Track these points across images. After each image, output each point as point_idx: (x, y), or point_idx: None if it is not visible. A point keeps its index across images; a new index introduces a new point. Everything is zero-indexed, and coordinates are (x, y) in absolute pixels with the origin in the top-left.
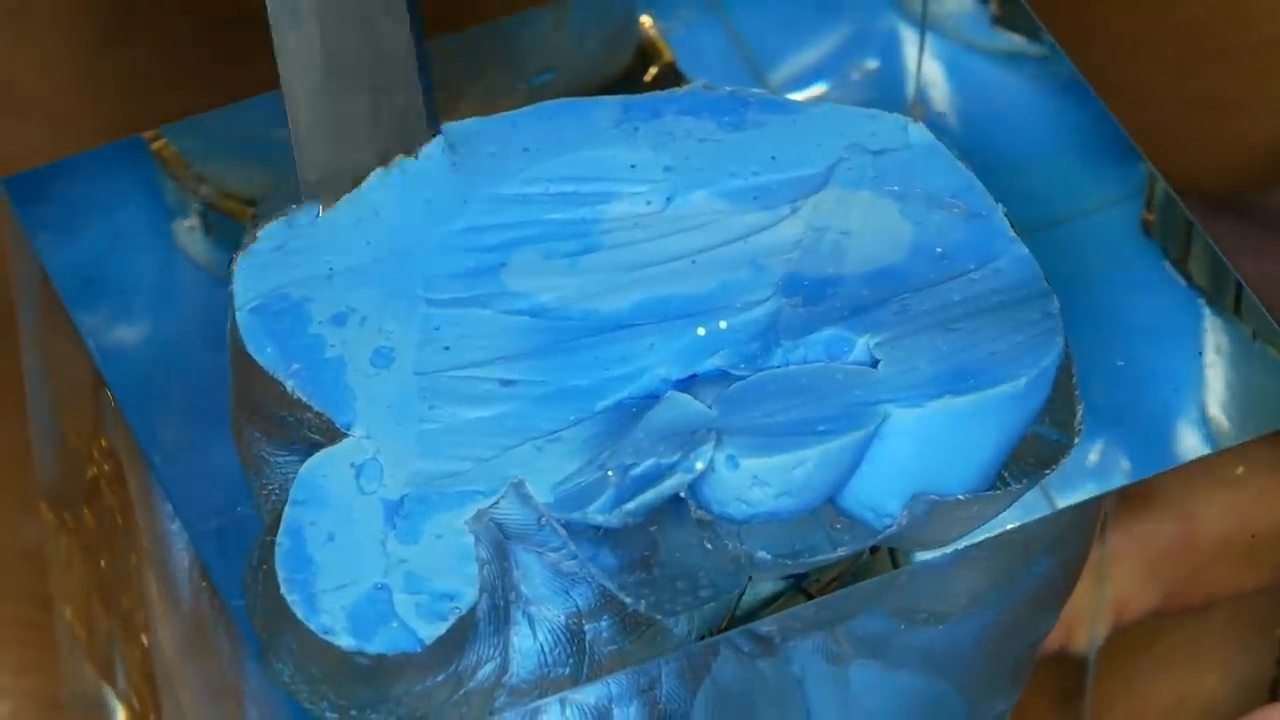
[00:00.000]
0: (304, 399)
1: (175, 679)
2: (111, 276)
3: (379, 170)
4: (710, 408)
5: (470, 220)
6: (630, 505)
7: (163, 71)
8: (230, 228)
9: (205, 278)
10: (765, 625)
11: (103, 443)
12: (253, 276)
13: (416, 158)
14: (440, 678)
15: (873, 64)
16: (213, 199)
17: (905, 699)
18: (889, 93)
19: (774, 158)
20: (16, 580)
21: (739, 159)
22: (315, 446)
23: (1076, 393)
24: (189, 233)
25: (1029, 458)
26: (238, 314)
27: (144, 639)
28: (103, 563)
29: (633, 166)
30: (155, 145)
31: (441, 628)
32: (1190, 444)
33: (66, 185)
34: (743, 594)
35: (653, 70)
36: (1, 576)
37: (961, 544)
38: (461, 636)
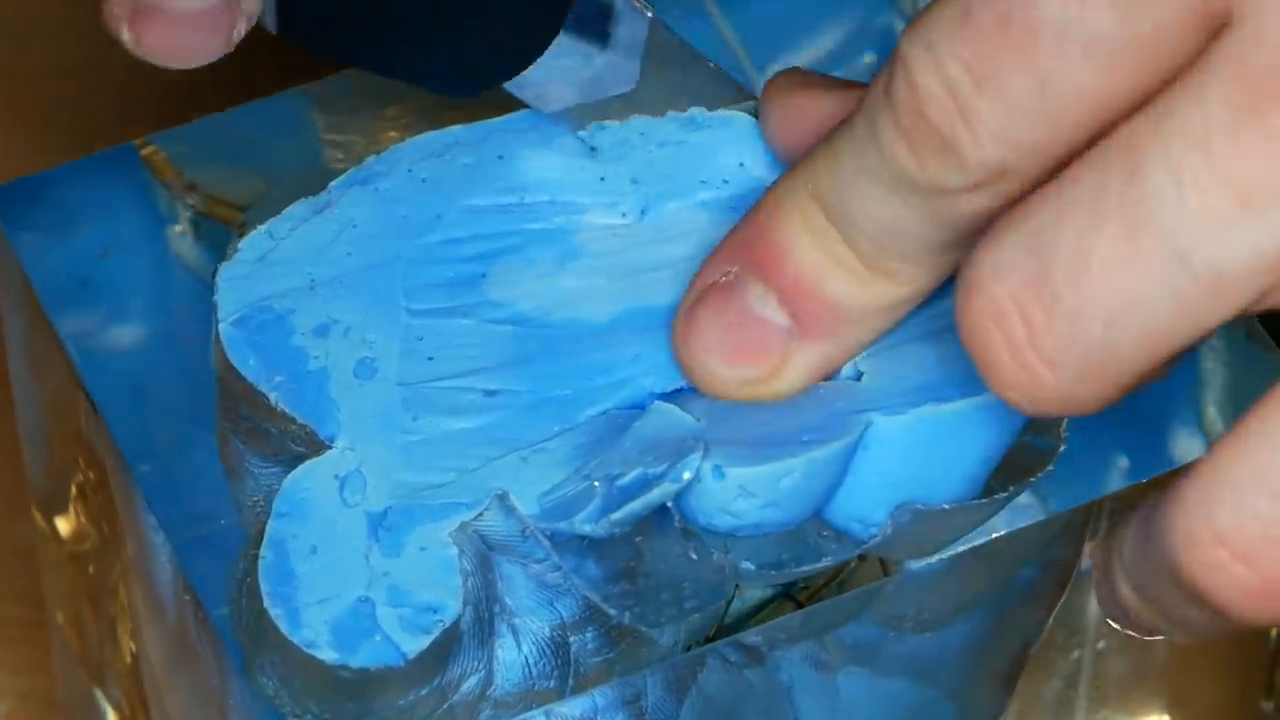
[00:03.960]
0: (287, 410)
1: (162, 686)
2: (98, 284)
3: (351, 181)
4: (697, 420)
5: (447, 233)
6: (617, 515)
7: (161, 75)
8: (221, 234)
9: (194, 285)
10: (752, 635)
11: (87, 450)
12: (235, 288)
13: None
14: (424, 691)
15: (869, 61)
16: (203, 206)
17: (894, 706)
18: None
19: (742, 164)
20: (12, 580)
21: (707, 166)
22: (299, 458)
23: None
24: (180, 239)
25: (1014, 464)
26: (221, 326)
27: (132, 646)
28: (91, 569)
29: (601, 179)
30: (145, 152)
31: (425, 641)
32: (1185, 447)
33: (55, 193)
34: (730, 603)
35: None
36: None
37: (949, 552)
38: (445, 649)
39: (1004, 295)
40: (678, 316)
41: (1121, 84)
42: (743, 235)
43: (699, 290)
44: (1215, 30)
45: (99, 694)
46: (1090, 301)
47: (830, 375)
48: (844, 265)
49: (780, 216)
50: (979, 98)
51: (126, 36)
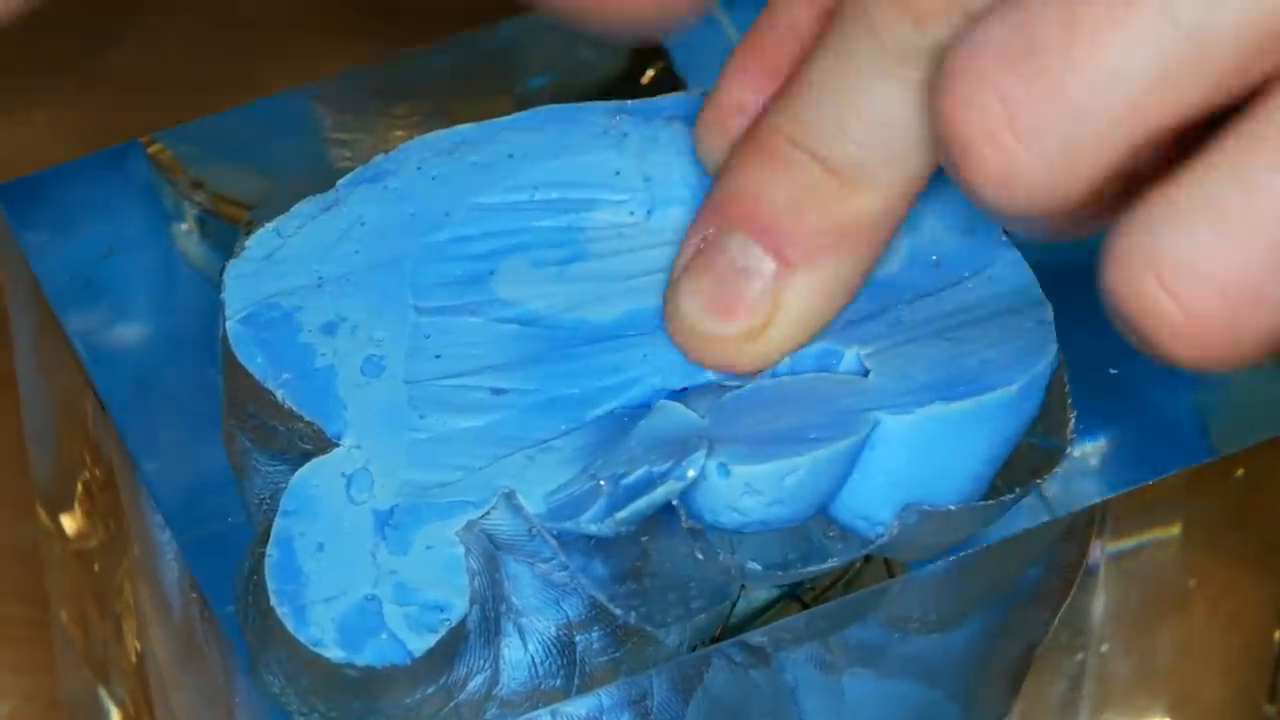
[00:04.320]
0: (294, 408)
1: (168, 685)
2: (105, 282)
3: (359, 179)
4: (702, 417)
5: (456, 231)
6: (622, 513)
7: (162, 73)
8: (227, 232)
9: (201, 283)
10: (757, 636)
11: (94, 448)
12: (243, 285)
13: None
14: (430, 690)
15: None
16: (210, 203)
17: (899, 707)
18: None
19: None
20: (15, 580)
21: None
22: (306, 456)
23: (1069, 400)
24: (186, 237)
25: (1022, 466)
26: (228, 324)
27: (137, 644)
28: (96, 567)
29: (617, 173)
30: (151, 150)
31: (431, 639)
32: (1187, 450)
33: (61, 191)
34: (736, 603)
35: (649, 72)
36: (0, 577)
37: (955, 553)
38: (452, 648)
39: (986, 73)
40: (666, 294)
41: None
42: (714, 196)
43: (682, 263)
44: None
45: (103, 692)
46: (1076, 68)
47: (824, 325)
48: (818, 188)
49: (747, 163)
50: None
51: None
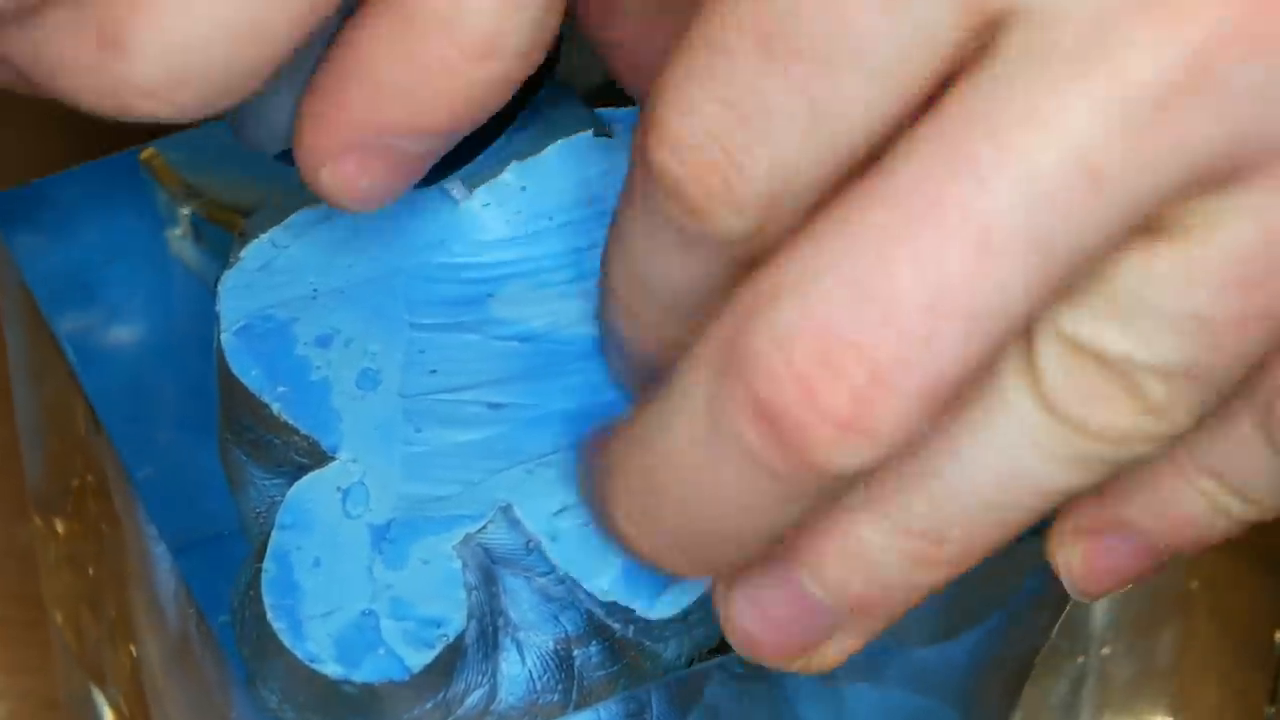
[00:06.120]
0: (290, 421)
1: (162, 693)
2: (98, 288)
3: None
4: None
5: (454, 258)
6: None
7: None
8: (222, 239)
9: (194, 290)
10: None
11: (86, 454)
12: (238, 297)
13: None
14: (428, 705)
15: None
16: (204, 212)
17: (899, 717)
18: None
19: None
20: (11, 581)
21: None
22: (301, 469)
23: None
24: (180, 243)
25: None
26: (223, 335)
27: (132, 649)
28: (90, 570)
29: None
30: (145, 156)
31: (429, 655)
32: None
33: (55, 199)
34: None
35: None
36: None
37: None
38: (449, 663)
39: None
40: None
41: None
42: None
43: None
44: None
45: (98, 695)
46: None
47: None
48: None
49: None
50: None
51: (325, 172)
